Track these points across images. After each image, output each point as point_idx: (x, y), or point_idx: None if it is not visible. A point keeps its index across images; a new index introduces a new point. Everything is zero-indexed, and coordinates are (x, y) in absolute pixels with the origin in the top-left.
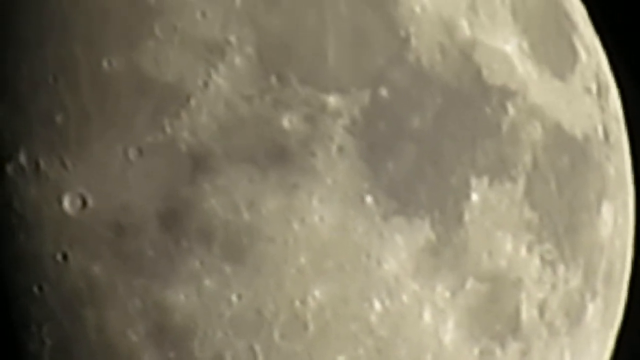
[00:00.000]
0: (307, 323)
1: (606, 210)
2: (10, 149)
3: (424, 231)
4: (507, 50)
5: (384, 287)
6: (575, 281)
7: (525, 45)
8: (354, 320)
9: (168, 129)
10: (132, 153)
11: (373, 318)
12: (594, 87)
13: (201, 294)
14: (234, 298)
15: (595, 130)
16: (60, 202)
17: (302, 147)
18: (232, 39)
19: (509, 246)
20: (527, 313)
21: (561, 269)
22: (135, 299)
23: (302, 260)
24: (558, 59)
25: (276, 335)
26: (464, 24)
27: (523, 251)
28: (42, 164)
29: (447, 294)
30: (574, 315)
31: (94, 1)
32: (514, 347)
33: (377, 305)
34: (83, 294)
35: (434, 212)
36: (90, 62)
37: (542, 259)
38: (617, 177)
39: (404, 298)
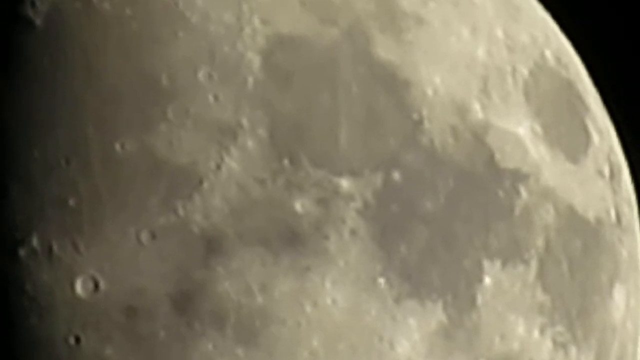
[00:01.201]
0: None
1: (618, 293)
2: (23, 232)
3: (437, 314)
4: (519, 132)
5: None
6: None
7: (538, 127)
8: None
9: (181, 212)
10: (144, 236)
11: None
12: (606, 170)
13: None
14: None
15: (608, 212)
16: (72, 286)
17: (315, 230)
18: (245, 121)
19: (521, 329)
20: None
21: (573, 351)
22: None
23: (315, 343)
24: (571, 141)
25: None
26: (476, 106)
27: (535, 334)
28: (54, 247)
29: None
30: None
31: (107, 84)
32: None
33: None
34: None
35: (447, 295)
36: (102, 144)
37: (554, 341)
38: (629, 259)
39: None
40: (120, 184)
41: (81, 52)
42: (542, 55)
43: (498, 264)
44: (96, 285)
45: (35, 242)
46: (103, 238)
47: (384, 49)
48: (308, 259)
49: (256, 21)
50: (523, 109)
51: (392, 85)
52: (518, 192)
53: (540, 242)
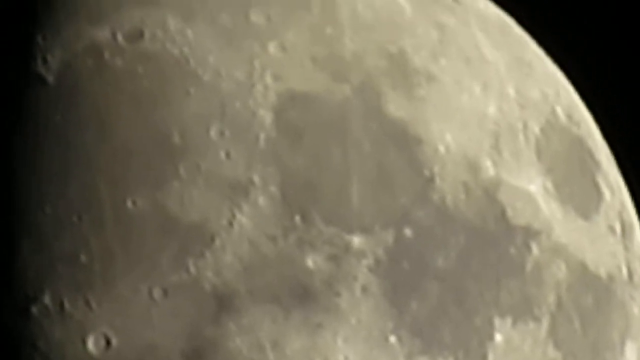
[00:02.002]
0: None
1: (630, 350)
2: (34, 289)
3: None
4: (531, 189)
5: None
6: None
7: (549, 184)
8: None
9: (192, 269)
10: (156, 293)
11: None
12: (618, 227)
13: None
14: None
15: (620, 269)
16: (84, 343)
17: (326, 287)
18: (256, 178)
19: None
20: None
21: None
22: None
23: None
24: (582, 198)
25: None
26: (488, 163)
27: None
28: (66, 304)
29: None
30: None
31: (119, 140)
32: None
33: None
34: None
35: (458, 352)
36: (114, 201)
37: None
38: None
39: None
40: (132, 240)
41: (93, 108)
42: (554, 112)
43: (509, 321)
44: (108, 342)
45: (47, 298)
46: (115, 295)
47: (396, 106)
48: (319, 316)
49: (268, 78)
50: (534, 166)
51: (404, 142)
52: (529, 249)
53: (551, 298)
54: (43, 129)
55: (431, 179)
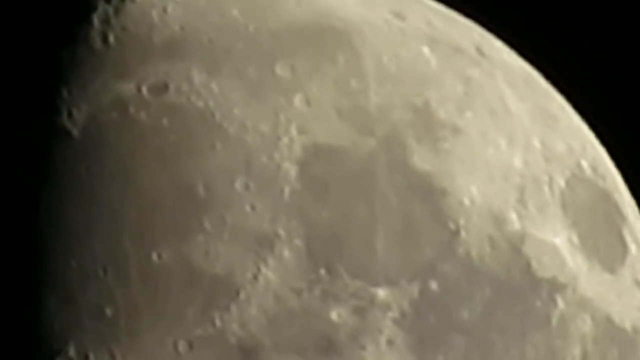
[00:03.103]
0: None
1: None
2: (59, 342)
3: None
4: (556, 243)
5: None
6: None
7: (574, 238)
8: None
9: (218, 322)
10: (182, 346)
11: None
12: None
13: None
14: None
15: None
16: None
17: (351, 340)
18: (281, 231)
19: None
20: None
21: None
22: None
23: None
24: (608, 252)
25: None
26: (513, 216)
27: None
28: (91, 357)
29: None
30: None
31: (144, 193)
32: None
33: None
34: None
35: None
36: (139, 254)
37: None
38: None
39: None
40: (158, 293)
41: (118, 161)
42: (579, 165)
43: None
44: None
45: (72, 351)
46: (140, 348)
47: (421, 159)
48: None
49: (293, 131)
50: (560, 219)
51: (429, 194)
52: (555, 302)
53: (577, 352)
54: (68, 182)
55: (457, 232)
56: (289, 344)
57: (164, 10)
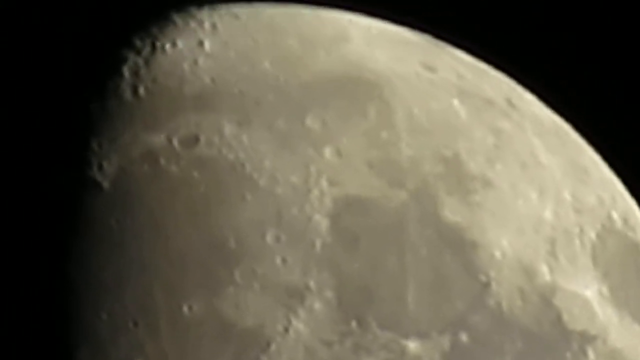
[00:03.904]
0: None
1: None
2: None
3: None
4: (587, 295)
5: None
6: None
7: (605, 290)
8: None
9: None
10: None
11: None
12: None
13: None
14: None
15: None
16: None
17: None
18: (312, 284)
19: None
20: None
21: None
22: None
23: None
24: (638, 303)
25: None
26: (544, 268)
27: None
28: None
29: None
30: None
31: (174, 246)
32: None
33: None
34: None
35: None
36: (170, 307)
37: None
38: None
39: None
40: (188, 346)
41: (149, 214)
42: (610, 217)
43: None
44: None
45: None
46: None
47: (452, 211)
48: None
49: (324, 183)
50: (590, 271)
51: (460, 247)
52: (586, 354)
53: None
54: (98, 235)
55: (487, 284)
56: None
57: (195, 62)
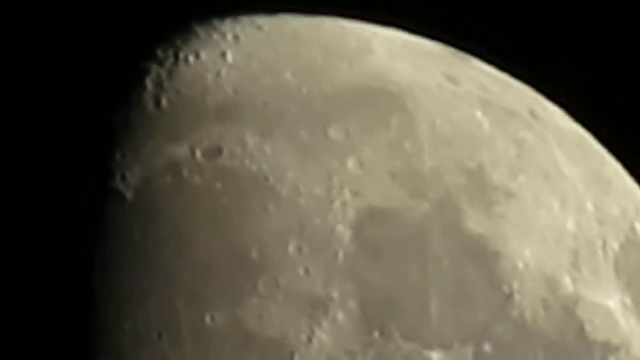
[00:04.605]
0: None
1: None
2: None
3: None
4: (610, 305)
5: None
6: None
7: (628, 300)
8: None
9: None
10: None
11: None
12: None
13: None
14: None
15: None
16: None
17: None
18: (335, 294)
19: None
20: None
21: None
22: None
23: None
24: None
25: None
26: (566, 279)
27: None
28: None
29: None
30: None
31: (197, 256)
32: None
33: None
34: None
35: None
36: (193, 317)
37: None
38: None
39: None
40: (211, 356)
41: (172, 225)
42: (632, 228)
43: None
44: None
45: None
46: None
47: (474, 222)
48: None
49: (347, 194)
50: (613, 281)
51: (482, 258)
52: None
53: None
54: (121, 246)
55: (510, 295)
56: None
57: (218, 73)
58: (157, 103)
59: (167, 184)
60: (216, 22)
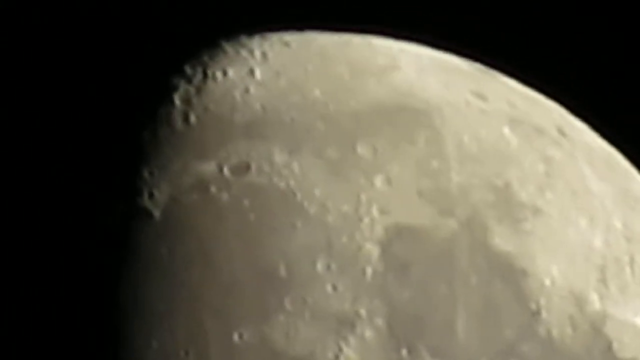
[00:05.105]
0: None
1: None
2: None
3: None
4: (637, 323)
5: None
6: None
7: None
8: None
9: None
10: None
11: None
12: None
13: None
14: None
15: None
16: None
17: None
18: (363, 312)
19: None
20: None
21: None
22: None
23: None
24: None
25: None
26: (594, 297)
27: None
28: None
29: None
30: None
31: (224, 274)
32: None
33: None
34: None
35: None
36: (221, 335)
37: None
38: None
39: None
40: None
41: (199, 242)
42: None
43: None
44: None
45: None
46: None
47: (502, 240)
48: None
49: (375, 211)
50: None
51: (510, 275)
52: None
53: None
54: (149, 263)
55: (537, 312)
56: None
57: (246, 90)
58: (185, 120)
59: (195, 201)
60: (244, 39)
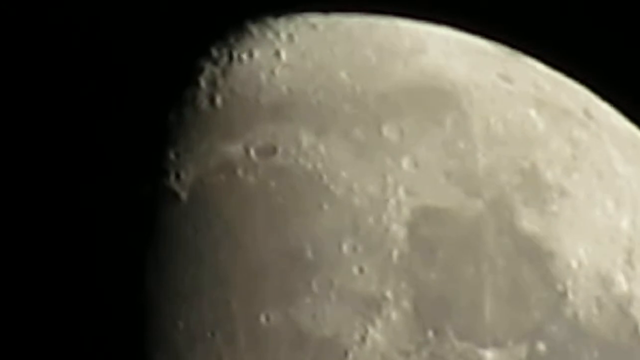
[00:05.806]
0: None
1: None
2: None
3: None
4: None
5: None
6: None
7: None
8: None
9: None
10: None
11: None
12: None
13: None
14: None
15: None
16: None
17: None
18: (389, 294)
19: None
20: None
21: None
22: None
23: None
24: None
25: None
26: (620, 278)
27: None
28: None
29: None
30: None
31: (251, 256)
32: None
33: None
34: None
35: None
36: (247, 316)
37: None
38: None
39: None
40: (265, 356)
41: (226, 224)
42: None
43: None
44: None
45: None
46: None
47: (528, 221)
48: None
49: (401, 193)
50: None
51: (536, 257)
52: None
53: None
54: (175, 245)
55: (564, 294)
56: None
57: (272, 72)
58: (212, 102)
59: (221, 183)
60: (270, 21)
